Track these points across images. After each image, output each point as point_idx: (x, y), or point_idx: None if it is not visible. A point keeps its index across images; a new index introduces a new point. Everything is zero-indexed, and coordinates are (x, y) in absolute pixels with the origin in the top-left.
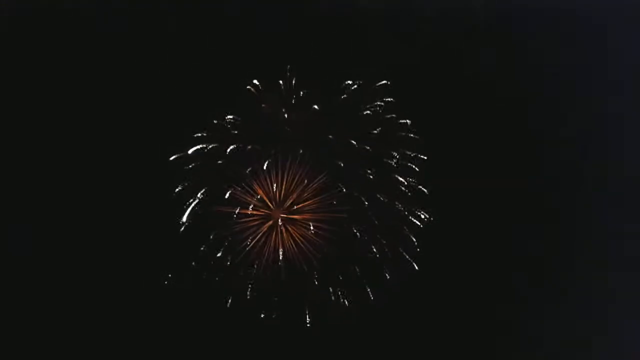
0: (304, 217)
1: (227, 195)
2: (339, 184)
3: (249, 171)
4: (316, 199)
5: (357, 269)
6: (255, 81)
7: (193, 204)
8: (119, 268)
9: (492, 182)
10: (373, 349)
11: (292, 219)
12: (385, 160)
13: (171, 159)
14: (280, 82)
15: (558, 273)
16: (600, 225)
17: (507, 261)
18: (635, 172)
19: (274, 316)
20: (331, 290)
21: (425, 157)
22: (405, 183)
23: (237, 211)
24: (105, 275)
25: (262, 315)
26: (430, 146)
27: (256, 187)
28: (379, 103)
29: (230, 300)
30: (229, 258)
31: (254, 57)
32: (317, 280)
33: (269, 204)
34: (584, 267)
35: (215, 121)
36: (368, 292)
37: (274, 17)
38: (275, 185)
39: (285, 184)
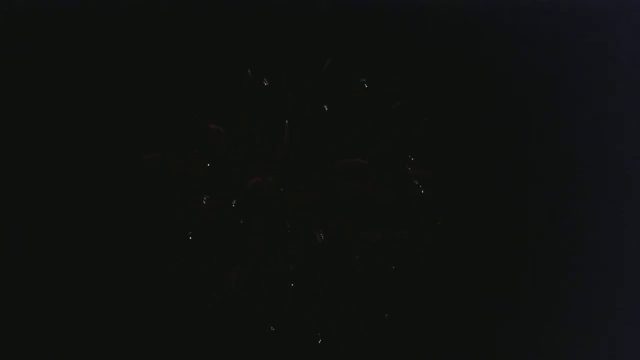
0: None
1: (233, 204)
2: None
3: (253, 181)
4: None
5: (373, 282)
6: (265, 82)
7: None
8: (113, 271)
9: (491, 183)
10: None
11: (299, 226)
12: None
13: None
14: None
15: (557, 273)
16: (600, 225)
17: (507, 262)
18: (636, 172)
19: (282, 332)
20: (344, 306)
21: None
22: (421, 190)
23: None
24: (99, 277)
25: (272, 329)
26: (429, 147)
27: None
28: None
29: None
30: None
31: (253, 58)
32: (328, 292)
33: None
34: (583, 267)
35: (213, 126)
36: (382, 307)
37: (273, 17)
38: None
39: (291, 192)
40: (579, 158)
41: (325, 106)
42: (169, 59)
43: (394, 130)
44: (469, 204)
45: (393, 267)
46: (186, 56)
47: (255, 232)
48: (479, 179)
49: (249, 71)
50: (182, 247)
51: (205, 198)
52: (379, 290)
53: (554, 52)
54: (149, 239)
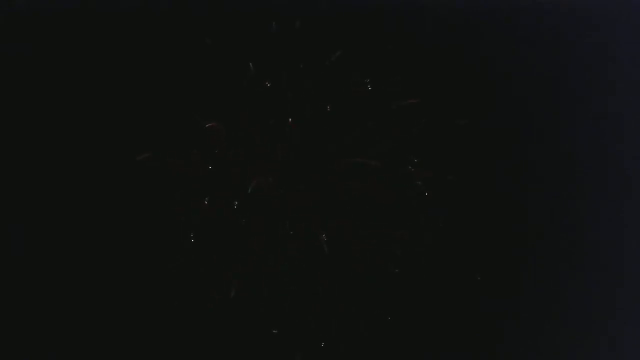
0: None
1: (235, 206)
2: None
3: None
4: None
5: (373, 282)
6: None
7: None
8: (113, 271)
9: (491, 183)
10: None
11: (299, 226)
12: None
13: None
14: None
15: (557, 273)
16: (600, 225)
17: (507, 262)
18: (636, 172)
19: (282, 332)
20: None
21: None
22: (425, 192)
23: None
24: (98, 277)
25: (275, 331)
26: (430, 146)
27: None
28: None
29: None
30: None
31: (253, 58)
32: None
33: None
34: (583, 267)
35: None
36: (386, 311)
37: (273, 17)
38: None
39: (292, 193)
40: (579, 158)
41: (327, 106)
42: (168, 59)
43: (394, 130)
44: (469, 204)
45: (396, 269)
46: (186, 56)
47: (255, 232)
48: (479, 179)
49: (250, 65)
50: (182, 247)
51: (206, 200)
52: (379, 290)
53: (554, 52)
54: (149, 239)
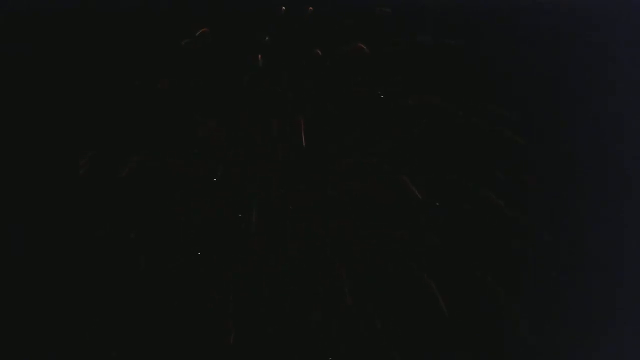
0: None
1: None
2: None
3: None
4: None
5: (373, 282)
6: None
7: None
8: (113, 271)
9: (491, 183)
10: None
11: (299, 226)
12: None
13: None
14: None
15: (557, 273)
16: (600, 225)
17: (507, 262)
18: (636, 172)
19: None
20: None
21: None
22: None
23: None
24: (99, 277)
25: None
26: (430, 148)
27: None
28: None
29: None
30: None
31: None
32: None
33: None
34: (583, 267)
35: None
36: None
37: (273, 17)
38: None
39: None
40: (579, 158)
41: (329, 105)
42: (168, 59)
43: (394, 130)
44: (469, 204)
45: (396, 269)
46: (186, 56)
47: (256, 232)
48: (479, 179)
49: (259, 57)
50: (182, 247)
51: (207, 202)
52: (379, 290)
53: (554, 52)
54: (149, 239)
